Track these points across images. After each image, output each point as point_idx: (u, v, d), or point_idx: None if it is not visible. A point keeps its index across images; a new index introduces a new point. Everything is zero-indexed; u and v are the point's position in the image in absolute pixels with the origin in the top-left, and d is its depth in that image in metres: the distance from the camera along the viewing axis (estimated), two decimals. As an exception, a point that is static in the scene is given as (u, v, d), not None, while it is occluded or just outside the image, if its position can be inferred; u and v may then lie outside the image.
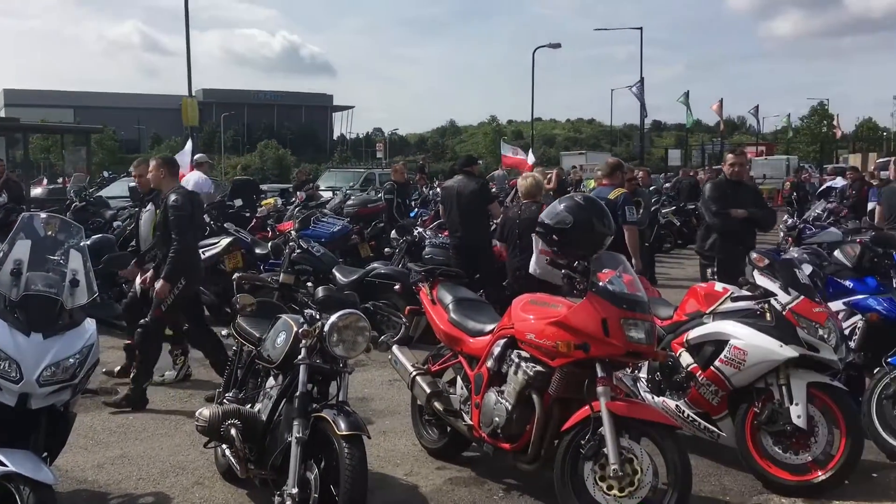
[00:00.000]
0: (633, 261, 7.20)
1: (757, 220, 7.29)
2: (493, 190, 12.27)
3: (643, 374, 5.10)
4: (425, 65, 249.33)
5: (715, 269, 7.13)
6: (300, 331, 3.90)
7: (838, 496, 4.34)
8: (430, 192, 19.24)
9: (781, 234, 13.39)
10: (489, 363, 4.44)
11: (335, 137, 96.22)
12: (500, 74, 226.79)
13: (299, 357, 3.85)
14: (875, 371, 5.17)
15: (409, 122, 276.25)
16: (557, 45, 38.38)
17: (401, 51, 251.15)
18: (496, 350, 4.43)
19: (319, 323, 3.88)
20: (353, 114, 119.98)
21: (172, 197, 6.12)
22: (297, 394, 3.77)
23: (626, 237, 7.20)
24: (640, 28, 38.58)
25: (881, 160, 29.31)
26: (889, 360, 5.07)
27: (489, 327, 4.66)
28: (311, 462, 3.70)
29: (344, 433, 3.56)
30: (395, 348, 5.15)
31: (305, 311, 4.08)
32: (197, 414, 4.17)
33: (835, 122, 59.50)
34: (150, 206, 6.49)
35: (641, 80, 37.56)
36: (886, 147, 57.01)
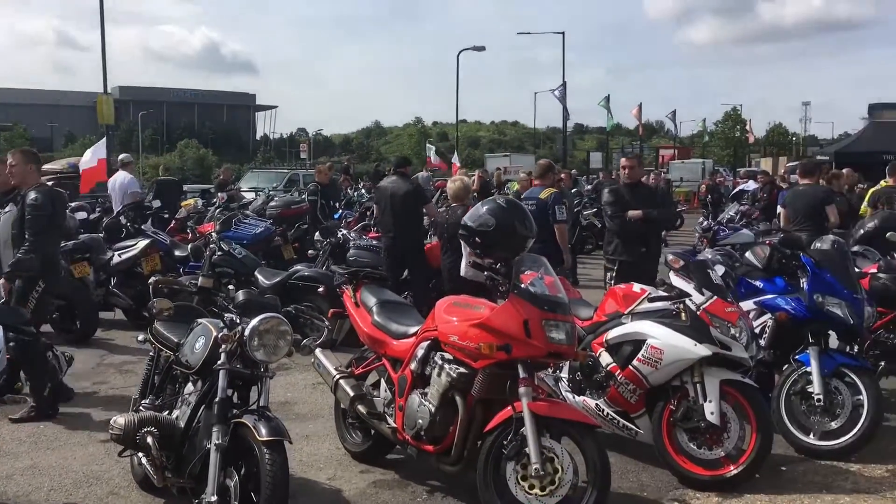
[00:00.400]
0: (565, 256, 7.41)
1: (653, 220, 7.39)
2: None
3: (564, 374, 5.18)
4: (350, 65, 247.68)
5: (614, 274, 7.28)
6: (220, 335, 3.83)
7: (749, 489, 4.49)
8: (355, 193, 19.14)
9: (697, 235, 13.86)
10: (413, 365, 4.44)
11: (258, 137, 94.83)
12: (425, 76, 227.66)
13: (219, 362, 3.79)
14: (784, 368, 5.37)
15: (333, 123, 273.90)
16: (482, 48, 38.62)
17: (325, 50, 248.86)
18: (420, 352, 4.43)
19: (240, 327, 3.82)
20: (277, 113, 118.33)
21: (32, 195, 5.80)
22: (217, 399, 3.71)
23: (556, 235, 7.39)
24: (563, 33, 39.16)
25: (790, 164, 30.52)
26: (797, 357, 5.28)
27: (413, 330, 4.67)
28: (231, 469, 3.64)
29: (264, 439, 3.51)
30: (317, 351, 5.11)
31: (225, 314, 4.01)
32: (111, 422, 4.04)
33: (747, 127, 61.76)
34: (10, 207, 6.05)
35: (564, 84, 38.14)
36: (795, 151, 59.37)
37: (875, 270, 6.20)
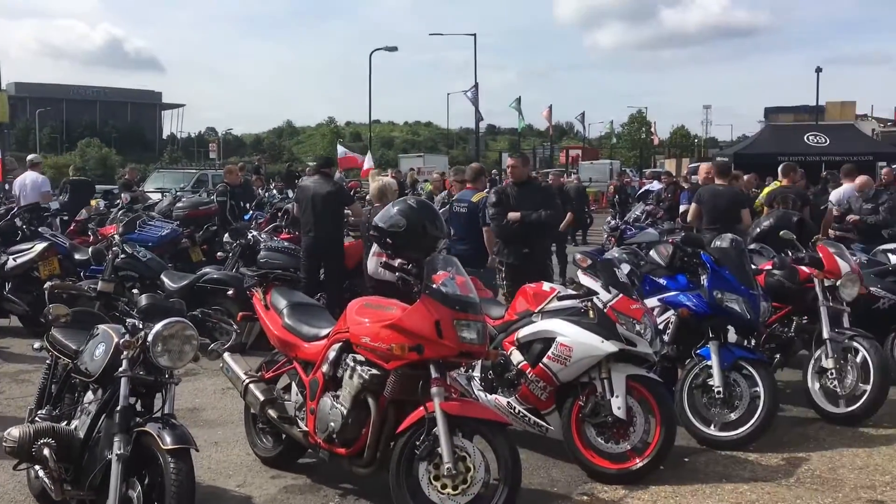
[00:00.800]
0: (490, 258, 7.51)
1: (532, 222, 7.15)
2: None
3: (476, 373, 5.23)
4: (261, 63, 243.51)
5: (504, 276, 7.28)
6: (121, 341, 3.70)
7: (654, 481, 4.63)
8: (266, 194, 18.80)
9: (605, 234, 14.24)
10: (324, 368, 4.40)
11: (165, 137, 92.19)
12: (338, 75, 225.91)
13: (120, 369, 3.66)
14: (686, 362, 5.56)
15: (244, 122, 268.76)
16: (394, 49, 38.64)
17: (235, 48, 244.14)
18: (331, 354, 4.40)
19: (143, 332, 3.70)
20: (184, 112, 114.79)
21: None
22: (118, 408, 3.58)
23: (484, 237, 7.44)
24: (474, 34, 39.47)
25: (692, 165, 31.65)
26: (698, 351, 5.47)
27: (324, 332, 4.62)
28: (134, 479, 3.52)
29: (169, 447, 3.41)
30: (226, 356, 4.99)
31: (127, 320, 3.87)
32: (5, 434, 3.85)
33: (652, 130, 63.63)
34: None
35: (476, 86, 38.47)
36: (697, 153, 61.51)
37: (770, 267, 6.47)
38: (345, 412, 4.20)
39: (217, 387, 6.59)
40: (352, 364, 4.25)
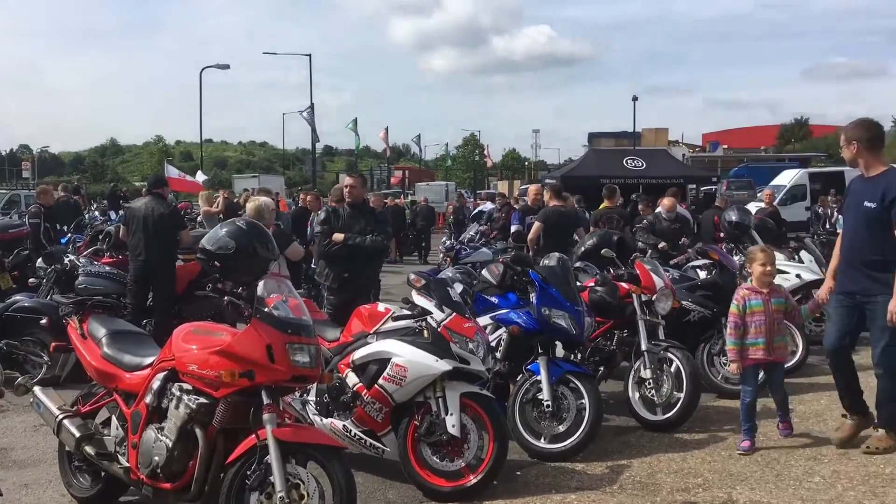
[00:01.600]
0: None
1: (355, 245, 6.96)
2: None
3: (312, 397, 5.15)
4: (82, 77, 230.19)
5: (330, 299, 7.12)
6: (-90, 379, 3.34)
7: (488, 497, 4.71)
8: (87, 215, 17.72)
9: (441, 254, 14.52)
10: (148, 399, 4.18)
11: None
12: (167, 93, 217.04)
13: None
14: (517, 378, 5.73)
15: (62, 139, 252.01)
16: (226, 66, 37.61)
17: (53, 61, 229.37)
18: (156, 384, 4.19)
19: (-65, 369, 3.37)
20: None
21: None
22: None
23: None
24: (309, 55, 39.22)
25: (523, 187, 32.96)
26: (528, 367, 5.65)
27: (148, 361, 4.40)
28: (-75, 532, 3.18)
29: (-33, 494, 3.11)
30: (37, 390, 4.65)
31: (-83, 355, 3.51)
32: None
33: (486, 152, 65.73)
34: None
35: (312, 106, 38.18)
36: (528, 175, 64.06)
37: (593, 284, 6.81)
38: (170, 444, 4.01)
39: (27, 424, 6.11)
40: (178, 393, 4.07)
